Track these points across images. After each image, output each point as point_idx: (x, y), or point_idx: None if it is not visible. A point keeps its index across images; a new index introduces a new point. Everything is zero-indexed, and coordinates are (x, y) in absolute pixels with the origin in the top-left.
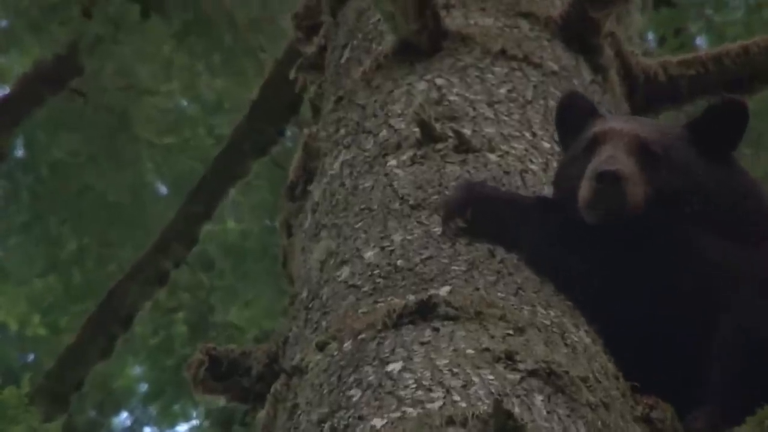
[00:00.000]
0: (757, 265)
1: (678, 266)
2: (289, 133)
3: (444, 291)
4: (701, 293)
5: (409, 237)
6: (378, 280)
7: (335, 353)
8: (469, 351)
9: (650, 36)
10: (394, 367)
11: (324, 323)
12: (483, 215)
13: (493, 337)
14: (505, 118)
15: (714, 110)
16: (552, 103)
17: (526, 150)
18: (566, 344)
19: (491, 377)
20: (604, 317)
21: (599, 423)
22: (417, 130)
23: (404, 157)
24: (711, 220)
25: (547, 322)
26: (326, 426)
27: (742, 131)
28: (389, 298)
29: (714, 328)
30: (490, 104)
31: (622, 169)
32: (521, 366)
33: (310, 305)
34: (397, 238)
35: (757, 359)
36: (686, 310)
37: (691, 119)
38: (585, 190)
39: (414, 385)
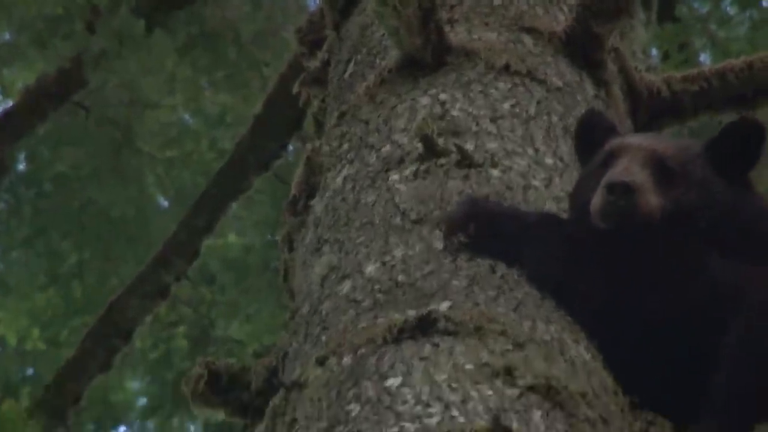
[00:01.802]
0: (761, 283)
1: (684, 281)
2: (291, 147)
3: (444, 306)
4: (706, 311)
5: (410, 252)
6: (378, 295)
7: (335, 368)
8: (468, 366)
9: (654, 51)
10: (393, 382)
11: (324, 338)
12: (485, 231)
13: (492, 352)
14: (508, 134)
15: (730, 129)
16: (555, 119)
17: (529, 166)
18: (565, 360)
19: (490, 392)
20: (606, 333)
21: None
22: (420, 145)
23: (407, 172)
24: (723, 240)
25: (547, 338)
26: None
27: (759, 151)
28: (389, 314)
29: (717, 347)
30: (493, 119)
31: (634, 180)
32: (520, 381)
33: (311, 320)
34: (398, 253)
35: (761, 374)
36: (689, 325)
37: (709, 138)
38: (597, 200)
39: (413, 401)
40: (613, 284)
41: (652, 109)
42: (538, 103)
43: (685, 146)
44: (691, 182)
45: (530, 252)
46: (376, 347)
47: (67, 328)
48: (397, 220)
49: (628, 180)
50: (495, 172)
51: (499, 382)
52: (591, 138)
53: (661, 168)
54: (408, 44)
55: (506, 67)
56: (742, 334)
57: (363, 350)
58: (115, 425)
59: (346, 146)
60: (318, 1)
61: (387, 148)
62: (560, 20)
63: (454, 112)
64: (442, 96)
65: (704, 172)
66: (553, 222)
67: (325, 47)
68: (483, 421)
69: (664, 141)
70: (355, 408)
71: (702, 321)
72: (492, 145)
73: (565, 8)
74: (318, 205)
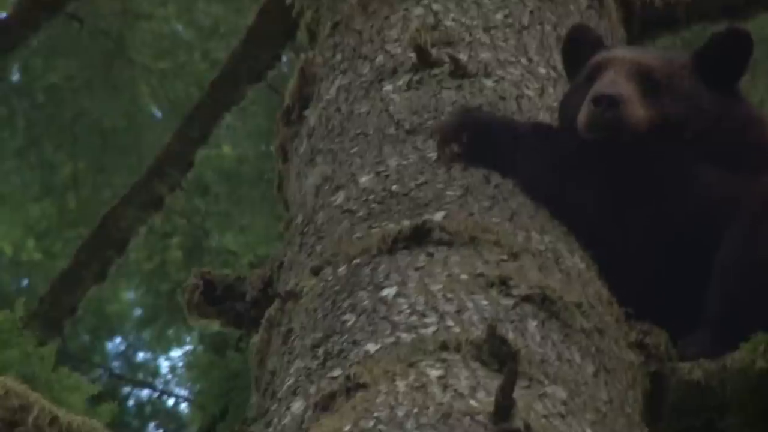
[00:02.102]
0: (755, 192)
1: (676, 191)
2: (285, 58)
3: (439, 216)
4: (698, 219)
5: (404, 162)
6: (373, 205)
7: (330, 278)
8: (463, 276)
9: None
10: (389, 292)
11: (319, 248)
12: (478, 141)
13: (487, 262)
14: (501, 44)
15: (718, 40)
16: (548, 29)
17: (522, 75)
18: (560, 270)
19: (485, 302)
20: (600, 243)
21: (593, 348)
22: (413, 55)
23: (400, 83)
24: (712, 149)
25: (542, 248)
26: (320, 350)
27: (746, 62)
28: (384, 224)
29: (710, 255)
30: (486, 29)
31: (620, 92)
32: (515, 291)
33: (305, 230)
34: (392, 163)
35: (756, 283)
36: (683, 236)
37: (696, 49)
38: (583, 114)
39: (408, 311)
40: (605, 197)
41: (644, 19)
42: (531, 13)
43: (671, 58)
44: (678, 93)
45: (523, 162)
46: (371, 257)
47: (61, 239)
48: (391, 130)
49: (613, 92)
50: (488, 82)
51: (494, 292)
52: (578, 52)
53: (647, 80)
54: None
55: None
56: (736, 244)
57: (358, 260)
58: (111, 336)
59: (339, 57)
60: None
61: (380, 58)
62: None
63: (447, 22)
64: (435, 6)
65: (691, 83)
66: (546, 132)
67: None
68: (478, 331)
69: (650, 53)
70: (350, 318)
71: (696, 231)
72: (485, 54)
73: None
74: (311, 115)
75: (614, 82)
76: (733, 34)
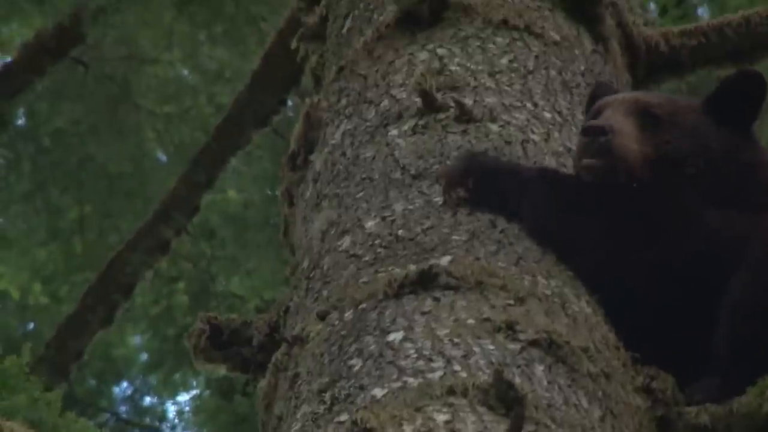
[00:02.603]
0: (762, 234)
1: (680, 233)
2: (290, 103)
3: (445, 261)
4: (704, 261)
5: (410, 207)
6: (379, 249)
7: (336, 323)
8: (470, 321)
9: (652, 6)
10: (395, 336)
11: (325, 293)
12: (484, 185)
13: (493, 307)
14: (507, 89)
15: (729, 82)
16: (553, 73)
17: (528, 120)
18: (567, 314)
19: (492, 347)
20: (607, 287)
21: (600, 393)
22: (418, 99)
23: (405, 127)
24: (718, 188)
25: (548, 292)
26: (327, 395)
27: (759, 104)
28: (390, 268)
29: (718, 297)
30: (491, 74)
31: (609, 123)
32: (522, 336)
33: (311, 275)
34: (398, 207)
35: (764, 327)
36: (689, 279)
37: (709, 92)
38: (576, 148)
39: (415, 355)
40: (609, 240)
41: (650, 64)
42: (536, 57)
43: (675, 99)
44: (680, 129)
45: (529, 206)
46: (377, 302)
47: (68, 283)
48: (397, 174)
49: (602, 123)
50: (494, 127)
51: (500, 337)
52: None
53: (645, 115)
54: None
55: (504, 22)
56: (745, 286)
57: (364, 305)
58: (118, 380)
59: (344, 101)
60: None
61: (385, 103)
62: None
63: (452, 67)
64: (440, 51)
65: (696, 120)
66: (551, 176)
67: (323, 2)
68: (485, 376)
69: (652, 94)
70: (357, 362)
71: (702, 274)
72: (490, 99)
73: None
74: (317, 160)
75: (608, 117)
76: (744, 76)
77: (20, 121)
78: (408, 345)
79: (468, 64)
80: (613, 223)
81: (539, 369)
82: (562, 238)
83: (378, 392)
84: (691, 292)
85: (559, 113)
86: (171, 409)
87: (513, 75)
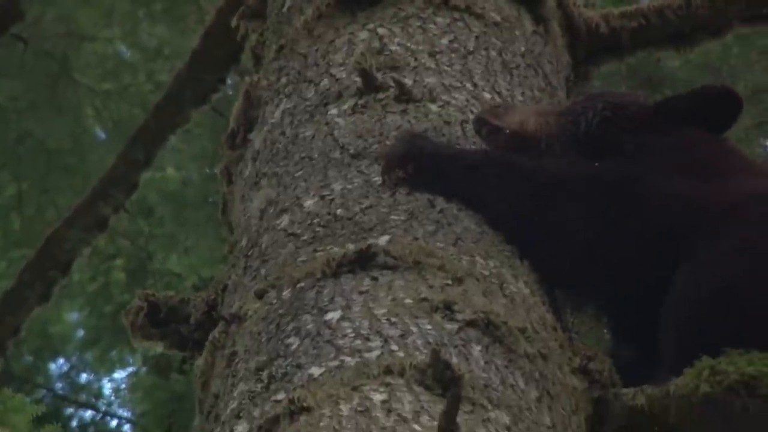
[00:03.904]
0: (712, 199)
1: (658, 205)
2: (230, 81)
3: (383, 240)
4: (660, 236)
5: (349, 186)
6: (317, 229)
7: (274, 301)
8: (408, 301)
9: None
10: (333, 316)
11: (263, 271)
12: (424, 170)
13: (431, 287)
14: (447, 69)
15: (704, 97)
16: (493, 54)
17: (467, 100)
18: (505, 295)
19: (429, 327)
20: (594, 262)
21: (537, 374)
22: (358, 79)
23: (345, 107)
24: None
25: (486, 273)
26: (264, 374)
27: (731, 123)
28: (328, 247)
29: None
30: (431, 54)
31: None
32: (459, 316)
33: (250, 253)
34: (337, 187)
35: (713, 316)
36: (645, 256)
37: (678, 97)
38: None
39: (352, 335)
40: (593, 216)
41: (590, 46)
42: (477, 38)
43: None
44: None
45: (488, 194)
46: (315, 281)
47: (5, 259)
48: (336, 154)
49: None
50: (433, 107)
51: (438, 317)
52: None
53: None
54: None
55: (445, 2)
56: (687, 282)
57: (302, 284)
58: (54, 357)
59: (284, 80)
60: None
61: (325, 82)
62: None
63: (393, 47)
64: (381, 30)
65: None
66: (506, 162)
67: None
68: (422, 356)
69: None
70: (294, 341)
71: (657, 246)
72: (430, 79)
73: None
74: (256, 138)
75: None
76: (722, 92)
77: None
78: (345, 324)
79: (408, 44)
80: (590, 202)
81: (476, 349)
82: (538, 221)
83: (315, 371)
84: (657, 266)
85: (499, 94)
86: (107, 386)
87: (453, 55)
